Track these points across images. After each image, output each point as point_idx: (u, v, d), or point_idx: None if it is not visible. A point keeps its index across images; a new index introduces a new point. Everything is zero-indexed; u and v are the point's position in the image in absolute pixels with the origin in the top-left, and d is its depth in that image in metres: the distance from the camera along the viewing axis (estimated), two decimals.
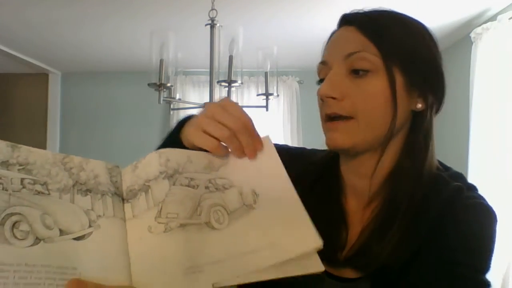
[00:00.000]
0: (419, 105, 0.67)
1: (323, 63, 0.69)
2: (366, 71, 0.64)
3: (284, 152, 0.81)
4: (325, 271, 0.69)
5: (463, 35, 3.04)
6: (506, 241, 2.35)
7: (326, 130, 0.68)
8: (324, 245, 0.69)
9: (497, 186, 2.47)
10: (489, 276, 0.61)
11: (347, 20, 0.69)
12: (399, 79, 0.64)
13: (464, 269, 0.60)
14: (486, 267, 0.62)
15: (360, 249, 0.65)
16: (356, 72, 0.65)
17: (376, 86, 0.64)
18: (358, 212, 0.71)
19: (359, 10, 0.69)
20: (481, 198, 0.65)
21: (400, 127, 0.67)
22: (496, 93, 2.53)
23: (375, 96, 0.64)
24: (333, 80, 0.65)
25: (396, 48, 0.65)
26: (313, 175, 0.76)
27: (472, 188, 0.68)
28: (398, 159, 0.68)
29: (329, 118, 0.67)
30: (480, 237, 0.62)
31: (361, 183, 0.71)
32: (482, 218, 0.63)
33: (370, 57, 0.64)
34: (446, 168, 0.72)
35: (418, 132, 0.68)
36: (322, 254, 0.69)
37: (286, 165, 0.75)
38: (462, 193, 0.65)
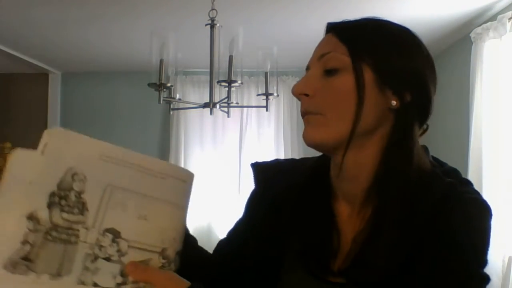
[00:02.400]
0: (394, 103, 0.66)
1: (306, 68, 0.72)
2: (336, 70, 0.66)
3: (273, 167, 0.81)
4: (314, 275, 0.69)
5: (463, 35, 3.03)
6: (506, 236, 2.35)
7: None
8: (316, 253, 0.68)
9: (497, 185, 2.47)
10: (488, 270, 0.62)
11: (328, 28, 0.72)
12: (369, 76, 0.65)
13: (462, 265, 0.60)
14: (483, 261, 0.62)
15: (353, 261, 0.65)
16: (328, 72, 0.67)
17: (344, 82, 0.66)
18: (351, 219, 0.70)
19: (344, 19, 0.72)
20: (475, 193, 0.65)
21: (373, 125, 0.67)
22: (496, 93, 2.53)
23: (342, 92, 0.66)
24: (306, 78, 0.69)
25: (367, 46, 0.67)
26: (302, 183, 0.75)
27: (467, 182, 0.68)
28: (380, 161, 0.68)
29: (303, 115, 0.69)
30: (475, 232, 0.62)
31: (348, 186, 0.70)
32: (477, 213, 0.63)
33: (339, 56, 0.66)
34: (441, 164, 0.71)
35: (396, 132, 0.67)
36: (314, 263, 0.68)
37: (271, 182, 0.74)
38: (455, 189, 0.64)
